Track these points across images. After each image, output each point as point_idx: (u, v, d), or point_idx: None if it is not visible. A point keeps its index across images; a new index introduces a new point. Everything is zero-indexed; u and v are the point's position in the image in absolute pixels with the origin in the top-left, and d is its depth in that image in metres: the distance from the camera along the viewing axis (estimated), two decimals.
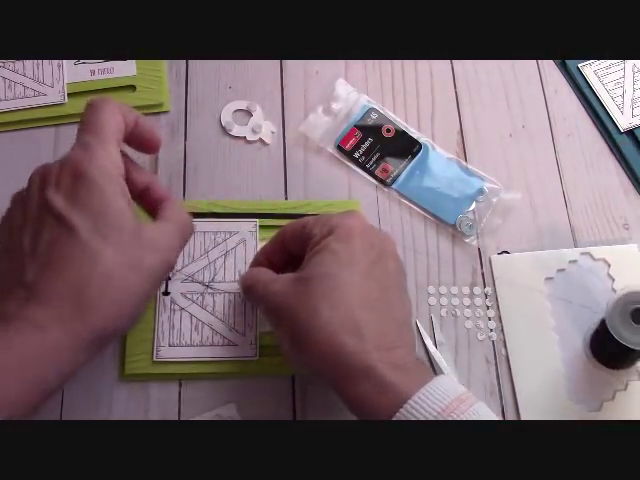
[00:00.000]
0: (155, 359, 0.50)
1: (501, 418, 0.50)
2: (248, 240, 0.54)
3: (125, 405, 0.50)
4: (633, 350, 0.47)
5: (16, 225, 0.42)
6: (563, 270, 0.55)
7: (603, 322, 0.49)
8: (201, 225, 0.54)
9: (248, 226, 0.55)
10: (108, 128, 0.43)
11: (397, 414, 0.38)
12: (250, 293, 0.47)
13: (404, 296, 0.45)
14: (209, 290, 0.52)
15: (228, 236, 0.54)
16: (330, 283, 0.42)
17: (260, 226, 0.55)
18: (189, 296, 0.52)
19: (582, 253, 0.55)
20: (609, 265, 0.55)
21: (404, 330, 0.44)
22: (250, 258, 0.53)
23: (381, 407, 0.39)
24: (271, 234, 0.54)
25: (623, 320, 0.47)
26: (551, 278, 0.55)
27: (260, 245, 0.53)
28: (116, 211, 0.41)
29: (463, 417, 0.38)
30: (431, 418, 0.37)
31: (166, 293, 0.52)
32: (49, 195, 0.41)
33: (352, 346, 0.40)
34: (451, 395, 0.39)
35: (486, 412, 0.39)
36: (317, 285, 0.42)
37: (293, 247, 0.48)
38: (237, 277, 0.53)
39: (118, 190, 0.42)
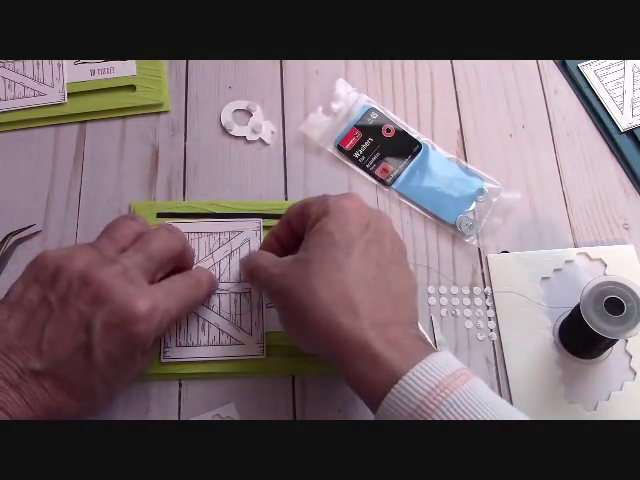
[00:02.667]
0: (163, 360, 0.50)
1: None
2: (252, 239, 0.54)
3: (125, 405, 0.50)
4: (602, 339, 0.48)
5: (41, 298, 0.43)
6: (559, 270, 0.55)
7: (576, 310, 0.49)
8: (205, 225, 0.54)
9: (252, 225, 0.55)
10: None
11: (392, 390, 0.39)
12: (253, 277, 0.48)
13: (403, 272, 0.46)
14: (215, 290, 0.52)
15: (232, 236, 0.54)
16: (327, 265, 0.43)
17: (263, 226, 0.55)
18: None
19: (579, 253, 0.55)
20: (605, 265, 0.55)
21: (401, 306, 0.44)
22: None
23: (376, 384, 0.40)
24: None
25: (596, 309, 0.47)
26: (547, 278, 0.55)
27: None
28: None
29: (456, 393, 0.38)
30: (424, 394, 0.38)
31: None
32: (95, 317, 0.42)
33: (348, 324, 0.41)
34: (445, 372, 0.39)
35: (482, 388, 0.39)
36: (315, 266, 0.43)
37: (297, 227, 0.49)
38: (242, 276, 0.53)
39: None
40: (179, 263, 0.49)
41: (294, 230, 0.49)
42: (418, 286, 0.54)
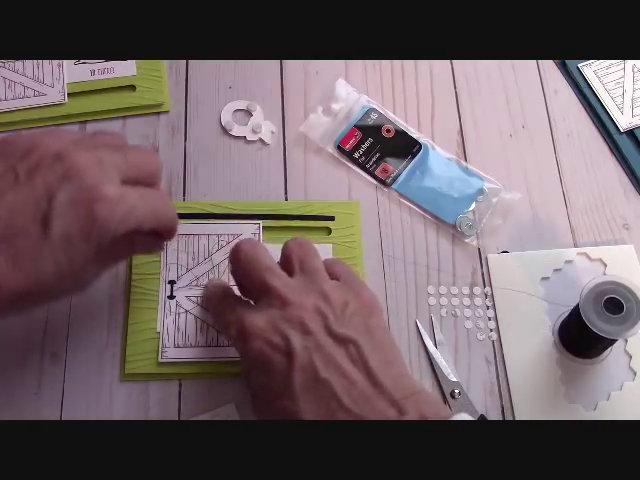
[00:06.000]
0: (160, 360, 0.50)
1: (500, 418, 0.50)
2: None
3: (125, 405, 0.50)
4: (602, 339, 0.48)
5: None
6: (559, 270, 0.55)
7: (575, 310, 0.49)
8: (204, 227, 0.54)
9: (251, 228, 0.55)
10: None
11: None
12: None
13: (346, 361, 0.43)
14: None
15: (231, 238, 0.54)
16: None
17: (262, 227, 0.55)
18: (194, 299, 0.52)
19: (579, 253, 0.55)
20: (605, 265, 0.55)
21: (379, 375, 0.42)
22: None
23: None
24: (273, 235, 0.54)
25: (596, 309, 0.47)
26: (547, 278, 0.55)
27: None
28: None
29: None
30: None
31: (171, 297, 0.52)
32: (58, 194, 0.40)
33: None
34: None
35: None
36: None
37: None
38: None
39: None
40: (149, 186, 0.46)
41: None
42: (418, 286, 0.54)
